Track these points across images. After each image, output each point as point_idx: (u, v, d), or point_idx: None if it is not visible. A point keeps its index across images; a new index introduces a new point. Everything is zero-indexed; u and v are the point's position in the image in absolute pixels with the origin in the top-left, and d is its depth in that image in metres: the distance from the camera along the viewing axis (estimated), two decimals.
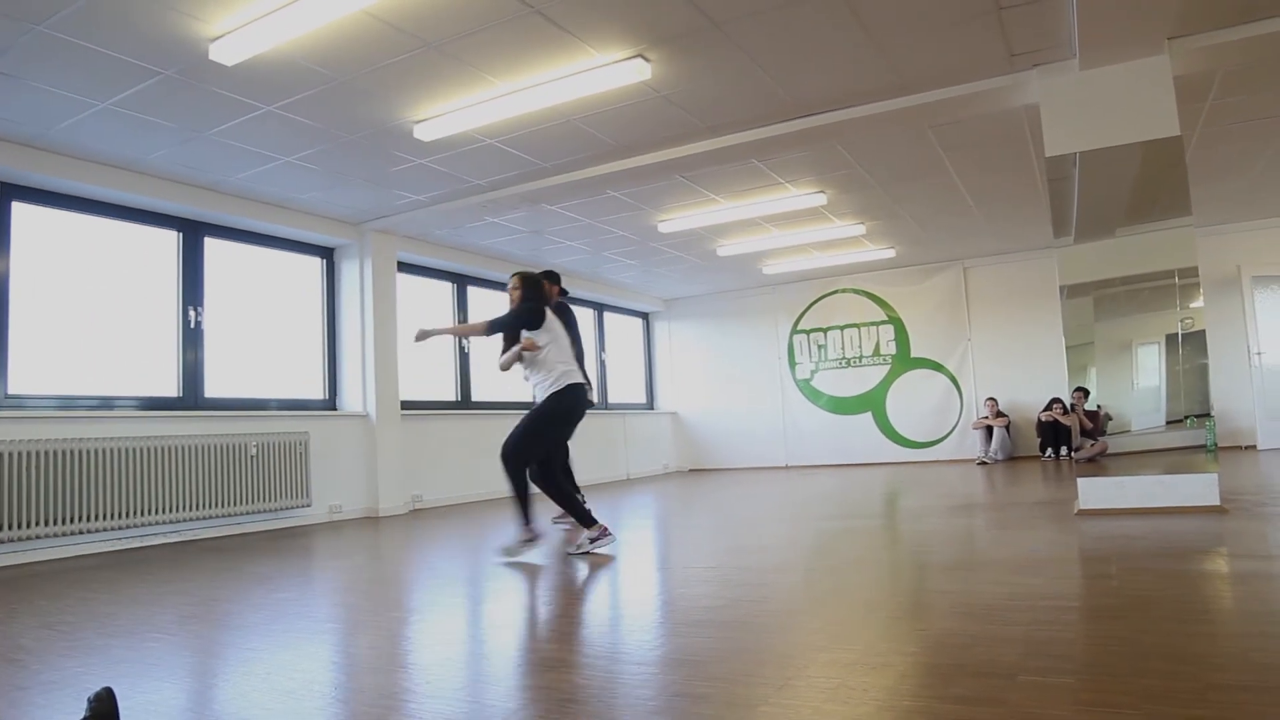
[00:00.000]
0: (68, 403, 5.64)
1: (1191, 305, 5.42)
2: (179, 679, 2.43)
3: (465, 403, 9.10)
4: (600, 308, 11.79)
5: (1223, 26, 4.47)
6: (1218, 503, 4.56)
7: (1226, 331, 9.16)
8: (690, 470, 12.37)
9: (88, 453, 5.38)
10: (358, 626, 3.07)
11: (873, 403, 11.35)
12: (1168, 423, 5.86)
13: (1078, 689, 1.86)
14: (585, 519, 4.53)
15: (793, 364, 11.88)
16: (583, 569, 4.18)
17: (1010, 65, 4.90)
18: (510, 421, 9.27)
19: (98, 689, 1.82)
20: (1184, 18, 4.38)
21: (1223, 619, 2.49)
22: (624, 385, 12.28)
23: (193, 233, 6.56)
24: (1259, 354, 9.19)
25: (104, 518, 5.42)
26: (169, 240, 6.45)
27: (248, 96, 4.81)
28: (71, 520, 5.25)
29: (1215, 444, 5.37)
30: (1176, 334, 5.58)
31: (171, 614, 3.35)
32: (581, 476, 10.37)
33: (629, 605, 3.34)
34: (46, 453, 5.19)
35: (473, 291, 9.43)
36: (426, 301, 8.84)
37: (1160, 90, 4.62)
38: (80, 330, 5.86)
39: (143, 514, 5.64)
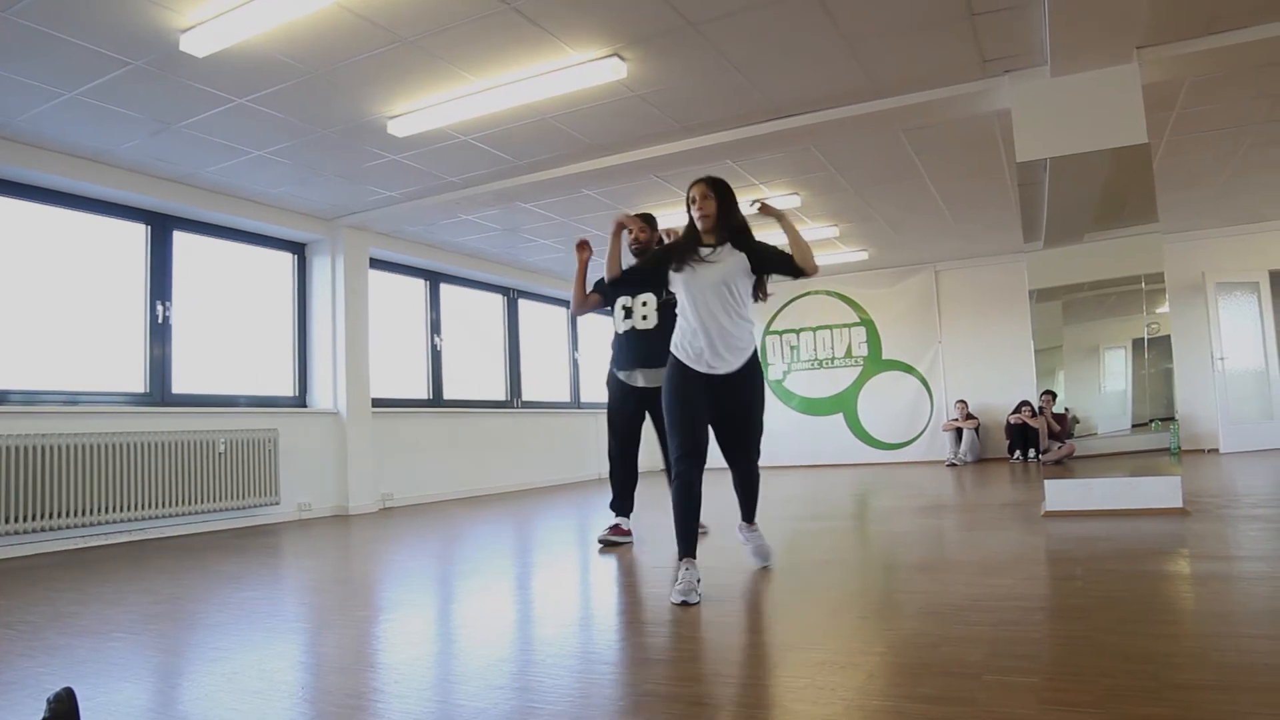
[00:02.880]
0: (31, 398, 5.53)
1: (1157, 310, 5.50)
2: (142, 679, 2.40)
3: (437, 400, 9.04)
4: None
5: (1190, 37, 4.54)
6: (1180, 505, 4.64)
7: (1191, 337, 9.31)
8: (662, 470, 12.35)
9: (51, 449, 5.29)
10: (326, 626, 3.04)
11: (844, 404, 11.42)
12: (1133, 426, 5.94)
13: (1042, 688, 1.88)
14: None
15: (765, 365, 11.91)
16: (551, 568, 4.17)
17: (983, 71, 4.95)
18: (480, 419, 9.30)
19: (58, 689, 1.79)
20: (1153, 28, 4.45)
21: (1183, 619, 2.53)
22: (597, 384, 12.26)
23: (161, 226, 6.46)
24: (1222, 359, 9.35)
25: (67, 515, 5.33)
26: (137, 233, 6.35)
27: (219, 89, 4.75)
28: (34, 518, 5.16)
29: (1179, 447, 5.46)
30: (1143, 339, 5.67)
31: (135, 613, 3.30)
32: (553, 475, 10.40)
33: (598, 604, 3.34)
34: (8, 449, 5.09)
35: (445, 289, 9.38)
36: (398, 298, 8.78)
37: (1129, 98, 4.69)
38: (44, 324, 5.75)
39: (108, 511, 5.55)
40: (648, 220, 4.62)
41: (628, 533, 4.71)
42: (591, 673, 2.23)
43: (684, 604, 2.95)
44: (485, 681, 2.19)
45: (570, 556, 4.62)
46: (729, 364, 3.29)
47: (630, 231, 4.12)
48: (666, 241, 3.83)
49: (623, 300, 4.65)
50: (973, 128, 5.87)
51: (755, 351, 3.41)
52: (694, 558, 3.19)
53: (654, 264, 3.46)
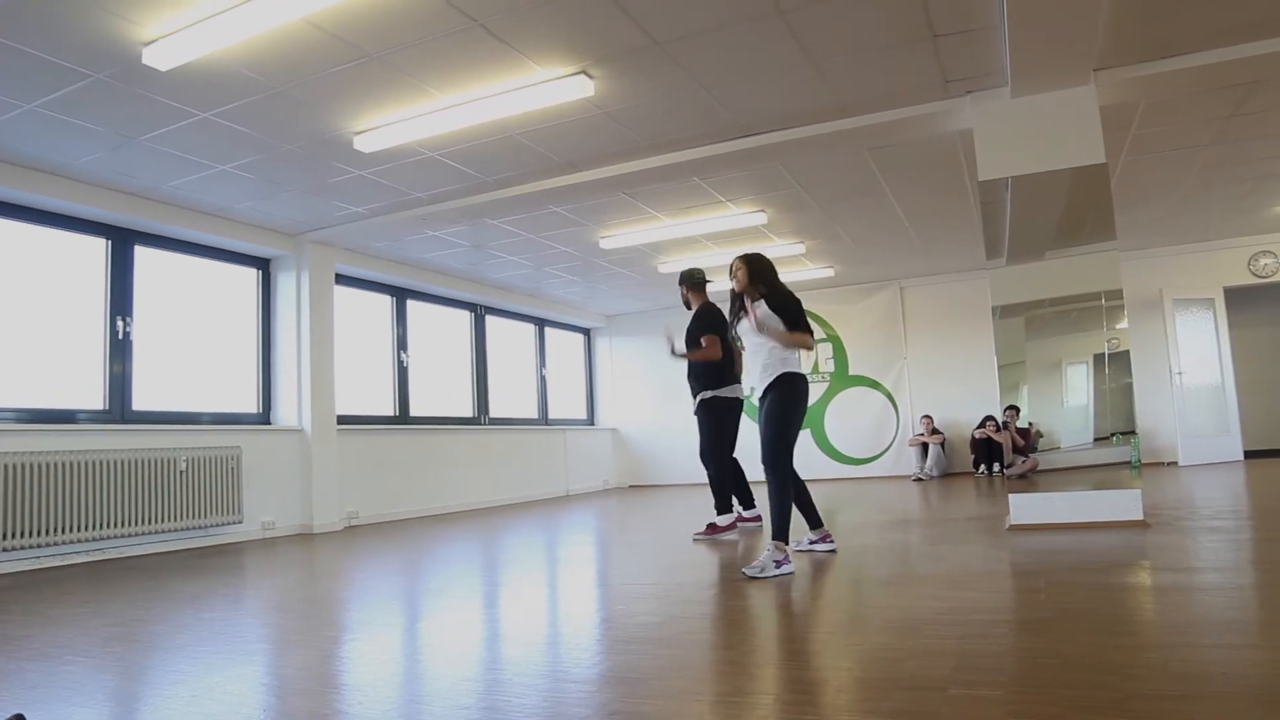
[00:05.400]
0: None
1: (1117, 326, 5.61)
2: (97, 704, 2.34)
3: (404, 418, 8.97)
4: (541, 323, 11.75)
5: (1145, 60, 4.66)
6: (1141, 517, 4.71)
7: (1149, 352, 9.49)
8: (630, 486, 12.36)
9: (7, 467, 5.16)
10: (289, 647, 2.99)
11: (811, 419, 11.46)
12: (1095, 440, 6.04)
13: (1006, 701, 1.90)
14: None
15: None
16: (518, 587, 4.15)
17: (945, 91, 5.03)
18: (448, 436, 9.24)
19: (8, 715, 1.74)
20: (1109, 51, 4.55)
21: (1144, 630, 2.56)
22: (564, 401, 12.24)
23: (122, 241, 6.37)
24: (1179, 374, 9.53)
25: (23, 535, 5.19)
26: (97, 248, 6.25)
27: (182, 103, 4.70)
28: None
29: (1139, 460, 5.55)
30: (1103, 354, 5.77)
31: (92, 636, 3.22)
32: (521, 493, 10.35)
33: (567, 622, 3.32)
34: None
35: (412, 305, 9.33)
36: (364, 314, 8.72)
37: (1087, 119, 4.79)
38: (0, 339, 5.63)
39: (65, 531, 5.42)
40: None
41: (749, 519, 5.81)
42: (559, 692, 2.21)
43: (746, 576, 3.78)
44: (452, 702, 2.16)
45: (538, 574, 4.59)
46: (766, 382, 4.21)
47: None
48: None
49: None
50: (936, 147, 5.96)
51: (784, 373, 4.17)
52: (783, 540, 3.96)
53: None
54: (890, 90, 5.01)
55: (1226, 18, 4.26)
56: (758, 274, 4.36)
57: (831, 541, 4.43)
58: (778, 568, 3.81)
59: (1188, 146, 6.25)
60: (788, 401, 4.16)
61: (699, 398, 5.78)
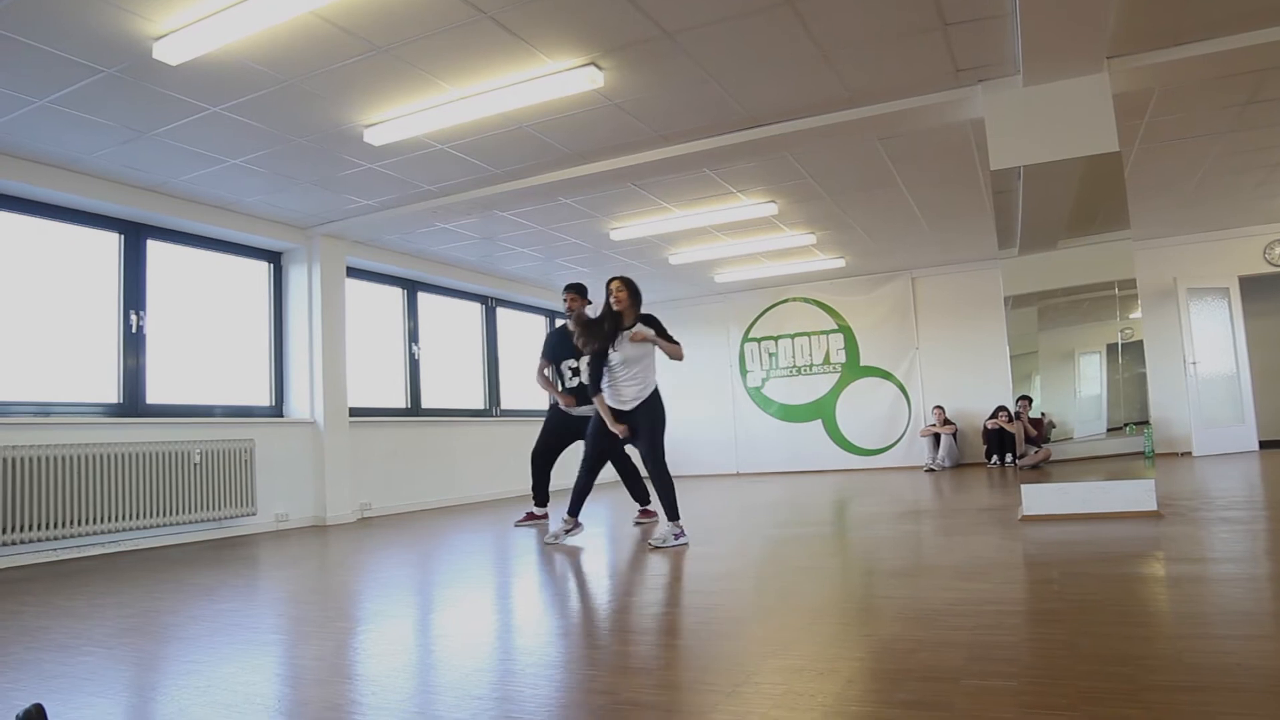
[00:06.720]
0: (2, 409, 5.45)
1: (1130, 316, 5.58)
2: (114, 694, 2.36)
3: (415, 410, 9.00)
4: (552, 315, 11.75)
5: (1159, 48, 4.61)
6: (1154, 508, 4.69)
7: (1163, 342, 9.43)
8: (640, 477, 12.34)
9: (22, 460, 5.21)
10: (303, 637, 3.01)
11: (823, 410, 11.46)
12: (1108, 430, 6.01)
13: (1020, 691, 1.89)
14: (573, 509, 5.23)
15: (744, 372, 11.95)
16: (530, 578, 4.16)
17: (956, 80, 5.00)
18: (459, 428, 9.26)
19: (27, 705, 1.76)
20: (1122, 39, 4.51)
21: (1158, 621, 2.55)
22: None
23: (135, 235, 6.40)
24: (1194, 363, 9.47)
25: (39, 528, 5.24)
26: (110, 242, 6.28)
27: (193, 97, 4.71)
28: (4, 530, 5.08)
29: (1153, 450, 5.52)
30: (1116, 344, 5.74)
31: (108, 627, 3.25)
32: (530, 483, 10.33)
33: (578, 613, 3.33)
34: None
35: (423, 298, 9.35)
36: (376, 307, 8.74)
37: (1100, 107, 4.74)
38: (15, 334, 5.68)
39: (80, 524, 5.47)
40: (579, 290, 6.01)
41: (539, 516, 6.71)
42: (572, 682, 2.22)
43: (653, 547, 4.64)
44: (464, 692, 2.17)
45: (550, 565, 4.60)
46: (643, 397, 4.85)
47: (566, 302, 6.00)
48: (587, 312, 5.27)
49: (569, 362, 6.40)
50: (947, 136, 5.92)
51: (655, 388, 4.90)
52: (676, 519, 4.79)
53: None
54: (901, 80, 4.98)
55: (1239, 4, 4.21)
56: (636, 294, 4.87)
57: (648, 516, 5.33)
58: (676, 540, 4.66)
59: (1202, 134, 6.20)
60: (659, 413, 4.85)
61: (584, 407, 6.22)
